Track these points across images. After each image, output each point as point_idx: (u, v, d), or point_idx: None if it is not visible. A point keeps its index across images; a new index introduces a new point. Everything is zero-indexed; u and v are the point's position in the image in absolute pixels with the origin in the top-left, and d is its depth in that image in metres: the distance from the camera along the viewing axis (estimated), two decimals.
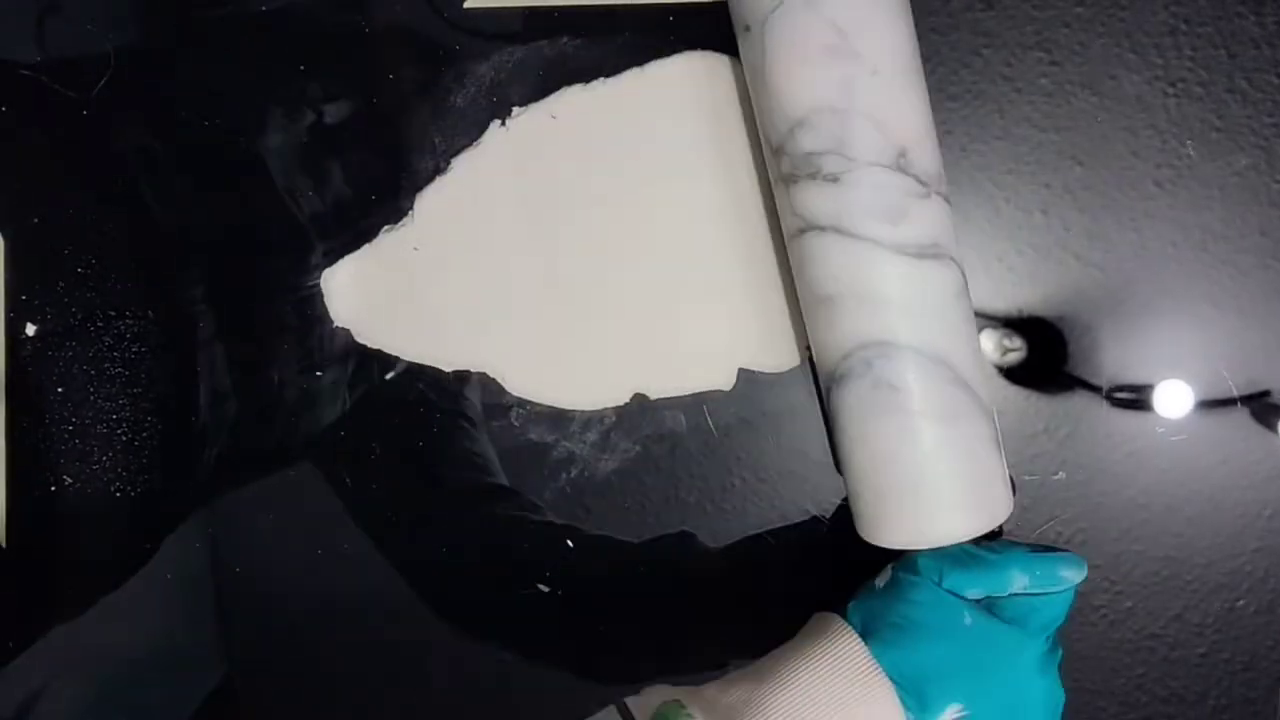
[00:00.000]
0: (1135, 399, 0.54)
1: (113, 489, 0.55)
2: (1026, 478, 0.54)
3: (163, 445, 0.55)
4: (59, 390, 0.54)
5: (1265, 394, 0.54)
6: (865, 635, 0.44)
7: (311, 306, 0.54)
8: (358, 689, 0.57)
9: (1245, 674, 0.56)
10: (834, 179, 0.45)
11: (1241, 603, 0.55)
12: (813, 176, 0.46)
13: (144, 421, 0.54)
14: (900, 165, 0.45)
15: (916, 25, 0.51)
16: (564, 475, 0.54)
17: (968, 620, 0.43)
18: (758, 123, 0.48)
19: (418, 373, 0.54)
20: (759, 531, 0.54)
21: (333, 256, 0.54)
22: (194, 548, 0.56)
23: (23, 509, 0.54)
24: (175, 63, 0.53)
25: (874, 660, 0.43)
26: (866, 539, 0.48)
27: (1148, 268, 0.53)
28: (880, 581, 0.47)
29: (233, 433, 0.55)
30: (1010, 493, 0.48)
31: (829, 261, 0.46)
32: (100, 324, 0.54)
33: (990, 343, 0.53)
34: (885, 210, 0.45)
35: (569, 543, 0.55)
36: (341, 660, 0.57)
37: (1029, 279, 0.53)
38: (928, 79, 0.52)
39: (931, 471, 0.45)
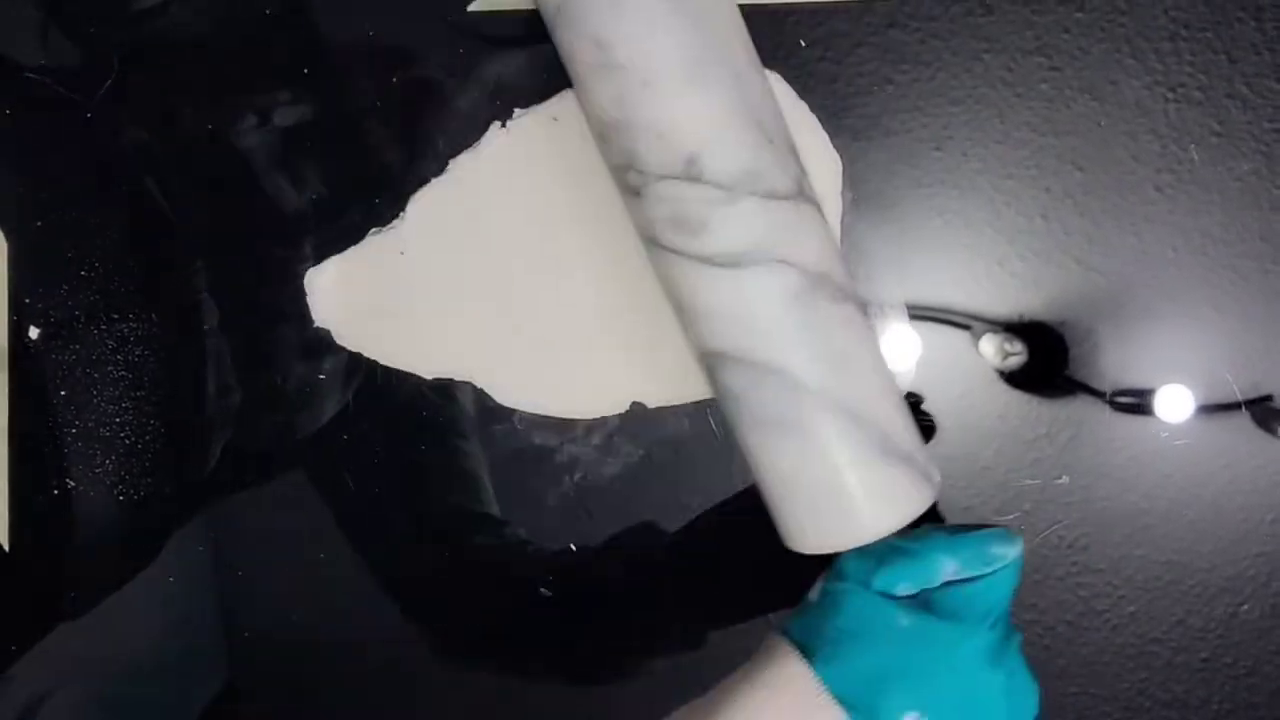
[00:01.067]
0: (1137, 403, 0.54)
1: (116, 492, 0.55)
2: (1028, 482, 0.54)
3: (166, 448, 0.55)
4: (62, 393, 0.54)
5: (1267, 398, 0.54)
6: (808, 654, 0.42)
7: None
8: (360, 694, 0.57)
9: (1248, 679, 0.55)
10: (636, 193, 0.45)
11: (1244, 607, 0.55)
12: (626, 190, 0.46)
13: (147, 424, 0.55)
14: (690, 174, 0.43)
15: (919, 29, 0.52)
16: (567, 479, 0.54)
17: (903, 622, 0.41)
18: None
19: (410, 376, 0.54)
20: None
21: (329, 254, 0.54)
22: (196, 551, 0.56)
23: (26, 512, 0.54)
24: (178, 64, 0.54)
25: (820, 685, 0.41)
26: (792, 548, 0.47)
27: (1148, 272, 0.53)
28: (813, 595, 0.45)
29: (235, 434, 0.55)
30: (927, 481, 0.45)
31: (657, 274, 0.47)
32: (104, 326, 0.54)
33: (992, 347, 0.53)
34: (682, 222, 0.44)
35: (572, 546, 0.55)
36: (344, 665, 0.57)
37: (1030, 283, 0.53)
38: (929, 84, 0.52)
39: (809, 476, 0.44)
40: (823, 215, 0.46)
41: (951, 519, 0.54)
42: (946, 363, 0.54)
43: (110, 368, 0.54)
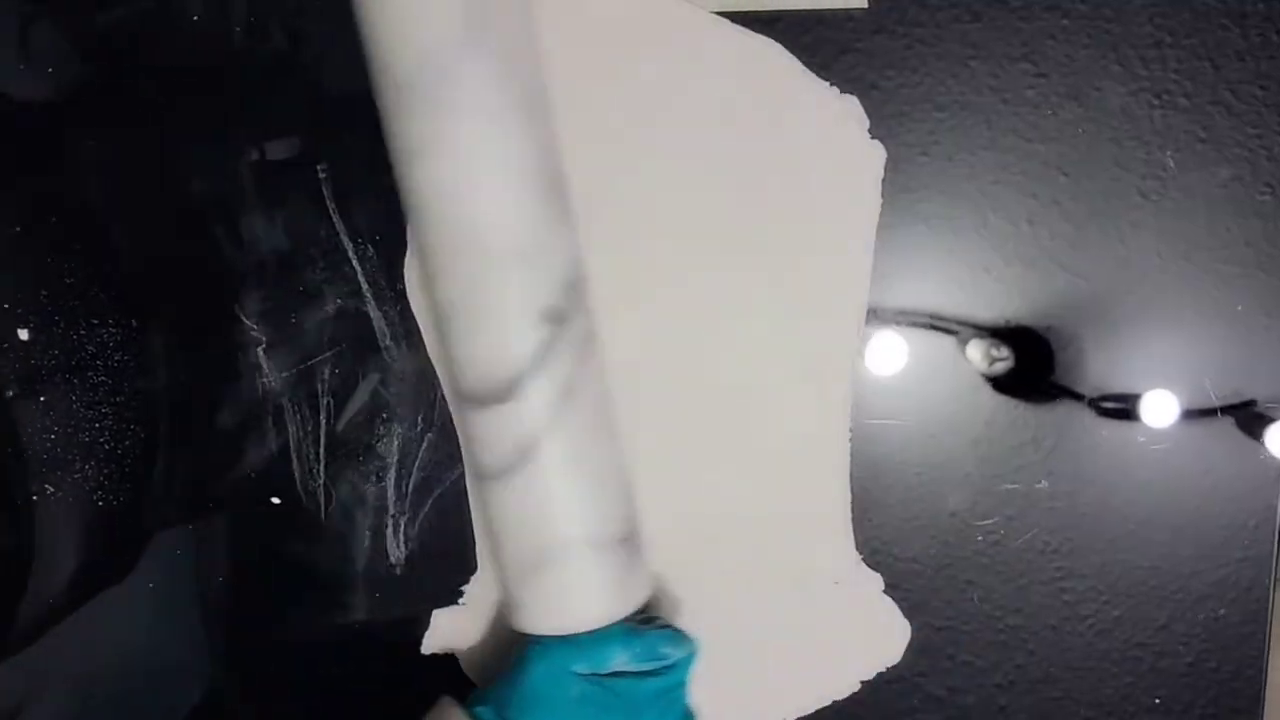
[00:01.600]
0: (1121, 408, 0.54)
1: (95, 498, 0.54)
2: (1011, 487, 0.55)
3: (145, 454, 0.54)
4: (40, 399, 0.53)
5: (1250, 404, 0.54)
6: (500, 707, 0.48)
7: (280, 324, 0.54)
8: (345, 699, 0.57)
9: (1231, 683, 0.56)
10: None
11: (1225, 612, 0.55)
12: None
13: (126, 430, 0.54)
14: None
15: (905, 35, 0.52)
16: None
17: (574, 691, 0.47)
18: None
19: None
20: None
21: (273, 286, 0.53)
22: (176, 556, 0.55)
23: (3, 518, 0.54)
24: (151, 87, 0.53)
25: None
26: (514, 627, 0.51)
27: (1133, 278, 0.53)
28: (513, 657, 0.50)
29: (219, 439, 0.54)
30: (642, 583, 0.50)
31: None
32: (83, 332, 0.53)
33: (978, 352, 0.53)
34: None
35: None
36: (328, 670, 0.56)
37: (1016, 289, 0.53)
38: (915, 90, 0.52)
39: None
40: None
41: (937, 523, 0.55)
42: (933, 368, 0.54)
43: (90, 373, 0.54)
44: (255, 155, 0.53)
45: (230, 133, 0.53)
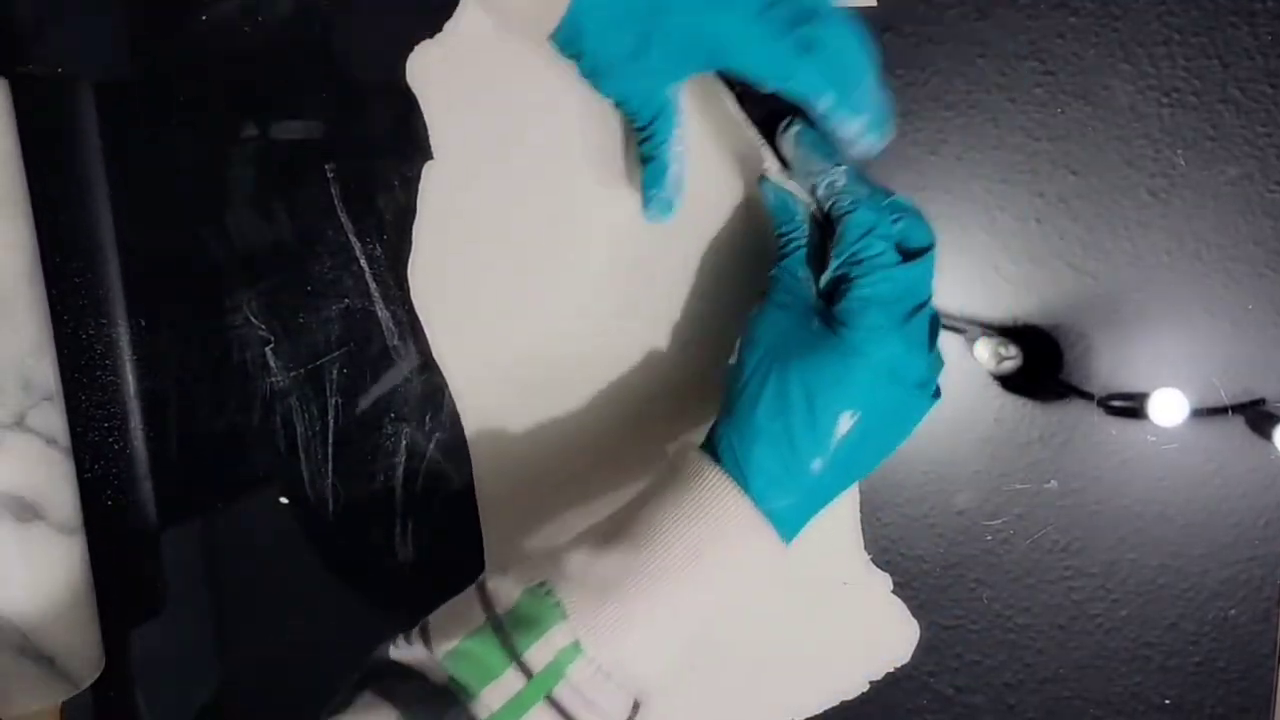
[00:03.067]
0: (1130, 407, 0.54)
1: (104, 497, 0.54)
2: (1020, 486, 0.55)
3: (153, 453, 0.55)
4: None
5: (1259, 402, 0.54)
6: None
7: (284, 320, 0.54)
8: None
9: (1240, 682, 0.56)
10: None
11: (1235, 611, 0.55)
12: None
13: (134, 429, 0.54)
14: None
15: (913, 34, 0.52)
16: None
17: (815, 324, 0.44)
18: None
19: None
20: None
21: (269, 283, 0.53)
22: (184, 556, 0.55)
23: None
24: (166, 79, 0.53)
25: (754, 509, 0.42)
26: None
27: (1142, 276, 0.53)
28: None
29: (227, 439, 0.54)
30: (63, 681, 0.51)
31: None
32: (92, 331, 0.54)
33: (986, 351, 0.53)
34: None
35: None
36: (335, 670, 0.56)
37: (1024, 287, 0.53)
38: (923, 88, 0.52)
39: None
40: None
41: (945, 522, 0.55)
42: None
43: (99, 372, 0.54)
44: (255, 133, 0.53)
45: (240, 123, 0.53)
